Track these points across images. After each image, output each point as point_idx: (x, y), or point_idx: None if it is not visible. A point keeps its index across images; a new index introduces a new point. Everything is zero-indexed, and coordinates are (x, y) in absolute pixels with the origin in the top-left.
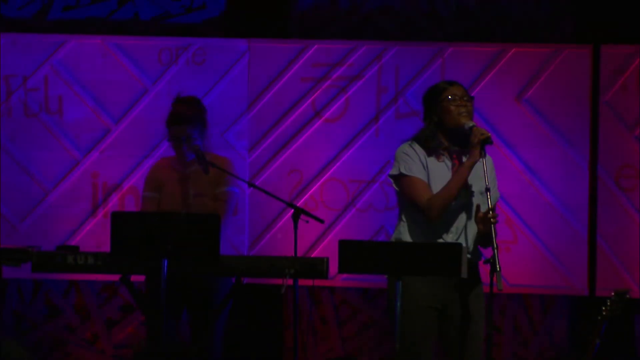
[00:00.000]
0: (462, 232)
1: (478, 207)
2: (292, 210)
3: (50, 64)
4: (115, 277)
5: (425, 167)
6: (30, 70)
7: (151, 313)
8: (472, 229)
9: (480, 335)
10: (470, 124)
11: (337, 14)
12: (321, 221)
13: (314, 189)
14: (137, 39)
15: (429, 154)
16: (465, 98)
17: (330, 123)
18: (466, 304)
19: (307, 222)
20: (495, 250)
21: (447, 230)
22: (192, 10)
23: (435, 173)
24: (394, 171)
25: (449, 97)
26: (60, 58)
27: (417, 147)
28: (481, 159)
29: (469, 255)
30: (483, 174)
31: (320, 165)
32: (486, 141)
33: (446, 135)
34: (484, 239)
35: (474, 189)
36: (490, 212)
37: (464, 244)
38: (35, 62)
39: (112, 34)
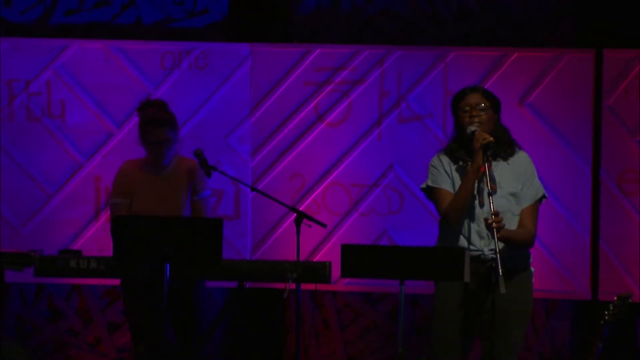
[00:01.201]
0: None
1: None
2: (295, 214)
3: (53, 68)
4: (117, 282)
5: (450, 176)
6: (33, 74)
7: (138, 318)
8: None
9: (516, 337)
10: (472, 128)
11: (340, 17)
12: (324, 225)
13: (316, 193)
14: (140, 43)
15: (455, 162)
16: (480, 106)
17: (333, 127)
18: (500, 306)
19: (310, 226)
20: (498, 255)
21: (479, 236)
22: (195, 14)
23: (460, 181)
24: (423, 185)
25: (464, 107)
26: (62, 62)
27: (444, 157)
28: (485, 164)
29: (495, 256)
30: (510, 175)
31: (322, 169)
32: (487, 146)
33: (464, 144)
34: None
35: (503, 192)
36: (493, 217)
37: (497, 248)
38: (38, 66)
39: (115, 38)
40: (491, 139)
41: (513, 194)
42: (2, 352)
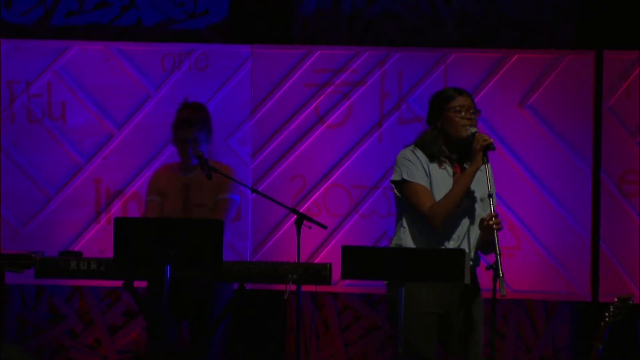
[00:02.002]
0: (464, 238)
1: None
2: (295, 216)
3: (53, 69)
4: (118, 283)
5: (428, 174)
6: (33, 76)
7: (153, 318)
8: (474, 235)
9: (480, 342)
10: (473, 130)
11: (340, 19)
12: (324, 227)
13: (316, 194)
14: (140, 44)
15: (431, 160)
16: (471, 110)
17: (333, 129)
18: (467, 310)
19: (310, 228)
20: (498, 256)
21: (449, 237)
22: (195, 16)
23: (437, 180)
24: (395, 177)
25: (455, 107)
26: (63, 64)
27: (419, 152)
28: (483, 165)
29: (470, 262)
30: (486, 180)
31: (323, 171)
32: (488, 147)
33: (447, 144)
34: (486, 245)
35: (476, 195)
36: (493, 219)
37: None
38: (38, 67)
39: (115, 39)
40: (492, 140)
41: (482, 200)
42: (3, 355)
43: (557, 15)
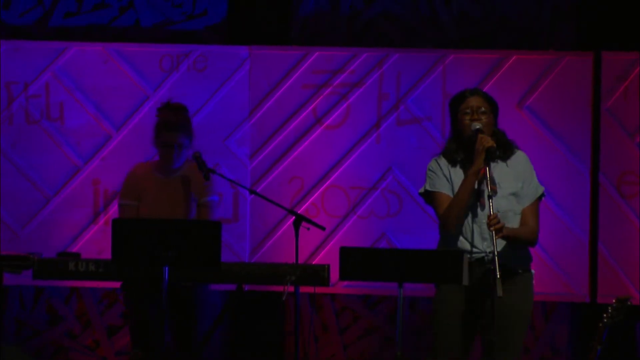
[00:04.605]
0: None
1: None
2: (294, 217)
3: (52, 70)
4: (116, 284)
5: (449, 180)
6: (32, 77)
7: (139, 321)
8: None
9: (512, 341)
10: (477, 126)
11: (339, 20)
12: (322, 228)
13: (315, 196)
14: (138, 45)
15: (453, 165)
16: (481, 110)
17: (332, 130)
18: (500, 308)
19: (309, 229)
20: (496, 257)
21: (481, 238)
22: (194, 17)
23: (458, 184)
24: (422, 190)
25: (465, 110)
26: (61, 65)
27: (442, 160)
28: (486, 166)
29: (493, 258)
30: (510, 176)
31: (321, 172)
32: (489, 150)
33: (463, 146)
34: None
35: (504, 192)
36: (491, 220)
37: (495, 250)
38: (37, 68)
39: (114, 40)
40: (493, 143)
41: (513, 194)
42: (3, 356)
43: (556, 17)
